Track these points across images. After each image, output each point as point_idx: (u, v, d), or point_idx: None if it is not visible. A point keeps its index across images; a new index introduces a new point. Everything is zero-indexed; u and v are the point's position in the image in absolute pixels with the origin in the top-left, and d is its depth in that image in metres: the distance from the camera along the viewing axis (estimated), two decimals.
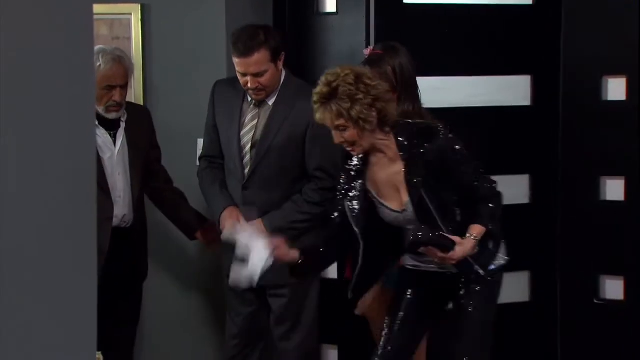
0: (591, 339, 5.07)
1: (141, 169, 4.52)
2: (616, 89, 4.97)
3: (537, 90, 5.11)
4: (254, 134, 4.34)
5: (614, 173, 4.99)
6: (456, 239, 3.69)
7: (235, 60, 4.26)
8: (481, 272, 3.80)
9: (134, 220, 4.51)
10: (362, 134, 3.65)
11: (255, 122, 4.34)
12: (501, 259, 3.87)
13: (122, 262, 4.46)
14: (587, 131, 5.01)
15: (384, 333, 3.96)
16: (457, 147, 3.72)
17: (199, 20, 4.96)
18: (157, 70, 4.95)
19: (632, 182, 4.93)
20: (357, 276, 3.93)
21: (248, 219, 4.25)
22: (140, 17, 4.95)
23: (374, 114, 3.62)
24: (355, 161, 3.84)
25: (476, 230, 3.73)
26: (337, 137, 3.70)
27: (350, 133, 3.65)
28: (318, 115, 3.66)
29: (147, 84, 4.93)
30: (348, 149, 3.73)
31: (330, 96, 3.60)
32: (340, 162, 4.00)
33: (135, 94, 4.86)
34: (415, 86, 4.19)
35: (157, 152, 4.65)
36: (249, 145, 4.34)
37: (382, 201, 3.82)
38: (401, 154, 3.72)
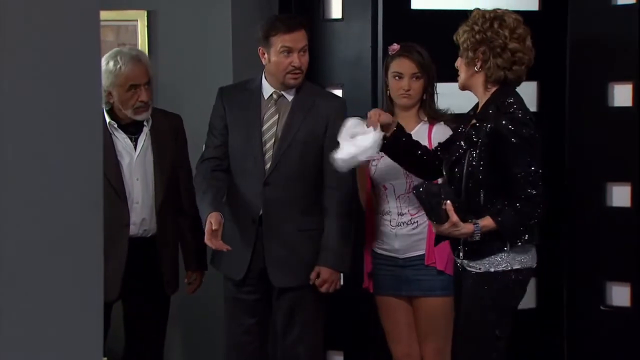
0: (597, 345, 5.05)
1: (167, 177, 4.41)
2: (622, 95, 4.97)
3: (543, 96, 5.10)
4: (276, 130, 4.32)
5: (620, 179, 4.99)
6: (454, 218, 3.63)
7: (283, 37, 4.24)
8: (462, 254, 3.76)
9: (157, 230, 4.39)
10: (464, 65, 3.83)
11: (276, 117, 4.32)
12: (505, 262, 3.75)
13: (144, 273, 4.36)
14: (594, 137, 5.00)
15: None
16: (524, 135, 3.67)
17: (204, 26, 4.96)
18: (162, 77, 4.95)
19: (639, 188, 4.92)
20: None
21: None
22: (146, 24, 4.96)
23: (473, 53, 3.77)
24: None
25: (483, 222, 3.68)
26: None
27: (459, 60, 3.86)
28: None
29: (153, 90, 4.92)
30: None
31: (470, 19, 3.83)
32: None
33: None
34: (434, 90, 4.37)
35: (185, 167, 4.53)
36: (272, 141, 4.30)
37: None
38: (479, 112, 3.78)
